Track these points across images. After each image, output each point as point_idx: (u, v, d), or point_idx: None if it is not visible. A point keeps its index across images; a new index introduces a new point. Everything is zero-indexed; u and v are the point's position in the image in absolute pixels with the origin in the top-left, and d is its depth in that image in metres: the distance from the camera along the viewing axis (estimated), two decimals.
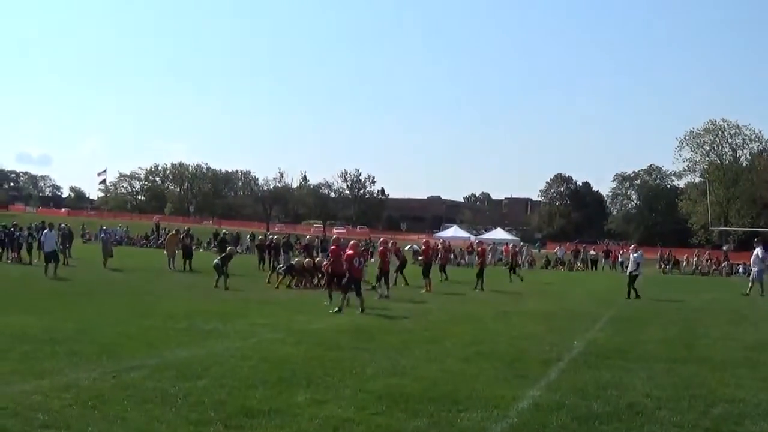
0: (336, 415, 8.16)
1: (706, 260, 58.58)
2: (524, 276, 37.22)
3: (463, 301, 24.37)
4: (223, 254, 27.34)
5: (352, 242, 21.96)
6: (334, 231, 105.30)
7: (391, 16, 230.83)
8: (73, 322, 15.19)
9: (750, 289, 29.44)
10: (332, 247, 22.98)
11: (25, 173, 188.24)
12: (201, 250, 55.62)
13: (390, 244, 27.90)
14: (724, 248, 76.78)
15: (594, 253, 59.66)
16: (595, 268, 56.11)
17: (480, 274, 29.93)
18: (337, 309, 18.67)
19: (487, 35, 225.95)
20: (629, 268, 26.73)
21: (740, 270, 54.76)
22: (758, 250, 30.63)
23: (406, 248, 32.76)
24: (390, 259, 26.51)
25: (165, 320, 16.00)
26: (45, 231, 29.61)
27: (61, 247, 32.18)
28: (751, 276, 30.64)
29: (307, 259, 28.40)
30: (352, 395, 9.11)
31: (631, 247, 33.43)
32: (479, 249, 33.62)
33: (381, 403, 8.75)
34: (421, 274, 28.27)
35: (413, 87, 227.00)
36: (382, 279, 24.61)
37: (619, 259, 56.65)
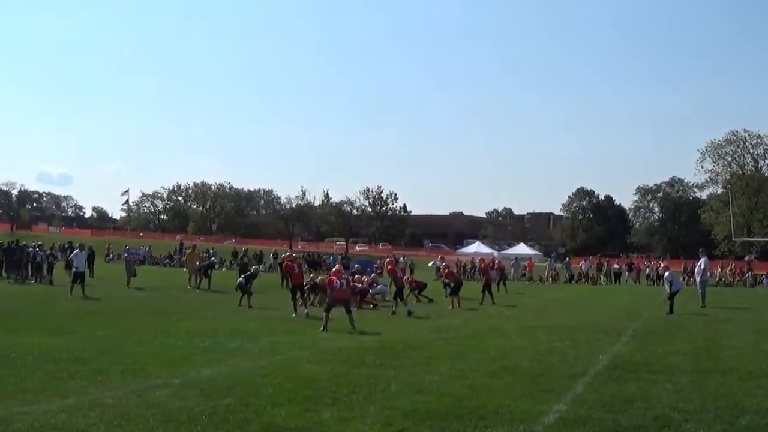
0: None
1: (730, 271, 58.24)
2: (538, 290, 37.02)
3: (486, 316, 24.29)
4: (248, 273, 27.47)
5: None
6: (357, 248, 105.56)
7: (407, 34, 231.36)
8: (97, 341, 15.26)
9: (703, 301, 28.70)
10: (287, 262, 25.61)
11: (48, 193, 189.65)
12: (224, 269, 55.87)
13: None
14: (747, 258, 76.30)
15: (617, 266, 59.32)
16: (619, 282, 55.78)
17: (484, 289, 30.09)
18: (321, 328, 18.60)
19: (505, 50, 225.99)
20: (667, 289, 26.39)
21: (764, 281, 54.43)
22: (702, 261, 30.24)
23: (429, 264, 32.65)
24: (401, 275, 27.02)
25: (189, 339, 16.04)
26: (76, 251, 29.81)
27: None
28: (699, 288, 29.99)
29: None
30: (377, 412, 9.08)
31: (661, 266, 33.22)
32: (482, 265, 33.34)
33: (407, 420, 8.71)
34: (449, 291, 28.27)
35: (434, 104, 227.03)
36: (397, 296, 25.09)
37: (646, 272, 56.49)
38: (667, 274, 27.44)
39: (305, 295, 24.45)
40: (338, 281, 19.81)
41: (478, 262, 35.99)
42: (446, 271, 31.73)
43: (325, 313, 19.15)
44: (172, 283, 37.24)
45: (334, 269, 21.82)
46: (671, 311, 25.22)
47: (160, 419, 8.50)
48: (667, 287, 26.41)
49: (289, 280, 24.83)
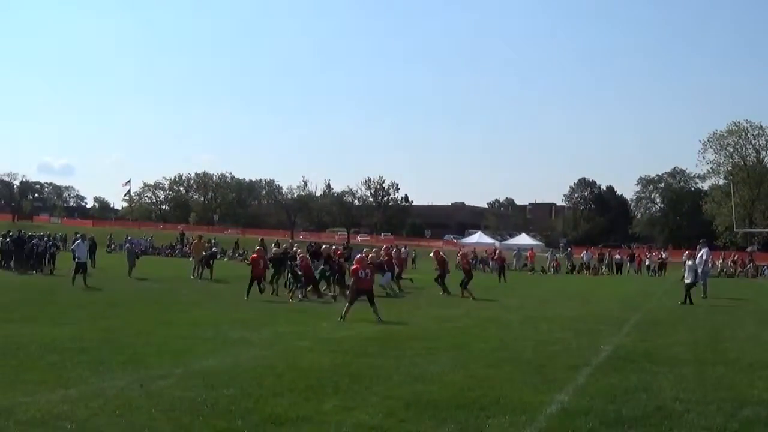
0: (363, 422, 8.13)
1: (732, 262, 58.23)
2: (540, 281, 36.96)
3: (488, 306, 24.25)
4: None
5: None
6: (359, 238, 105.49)
7: (409, 25, 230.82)
8: (99, 331, 15.25)
9: (705, 292, 28.50)
10: (253, 256, 26.93)
11: (50, 184, 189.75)
12: (226, 259, 55.87)
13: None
14: (749, 249, 76.23)
15: (619, 257, 59.34)
16: (621, 272, 55.78)
17: (462, 284, 28.05)
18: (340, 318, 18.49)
19: (507, 41, 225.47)
20: (692, 278, 26.30)
21: (766, 272, 54.40)
22: (704, 251, 30.06)
23: (430, 254, 32.23)
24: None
25: (191, 329, 16.04)
26: (78, 241, 29.83)
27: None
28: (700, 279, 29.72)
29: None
30: (379, 402, 9.08)
31: (685, 254, 33.21)
32: (460, 256, 32.15)
33: (408, 410, 8.72)
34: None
35: (436, 94, 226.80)
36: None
37: (647, 262, 56.51)
38: (690, 262, 27.16)
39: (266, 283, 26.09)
40: (363, 271, 19.43)
41: (459, 257, 33.29)
42: (463, 260, 31.16)
43: (348, 305, 18.92)
44: (174, 273, 37.25)
45: (357, 257, 21.35)
46: (690, 302, 25.12)
47: (162, 409, 8.50)
48: (690, 276, 26.21)
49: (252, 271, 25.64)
